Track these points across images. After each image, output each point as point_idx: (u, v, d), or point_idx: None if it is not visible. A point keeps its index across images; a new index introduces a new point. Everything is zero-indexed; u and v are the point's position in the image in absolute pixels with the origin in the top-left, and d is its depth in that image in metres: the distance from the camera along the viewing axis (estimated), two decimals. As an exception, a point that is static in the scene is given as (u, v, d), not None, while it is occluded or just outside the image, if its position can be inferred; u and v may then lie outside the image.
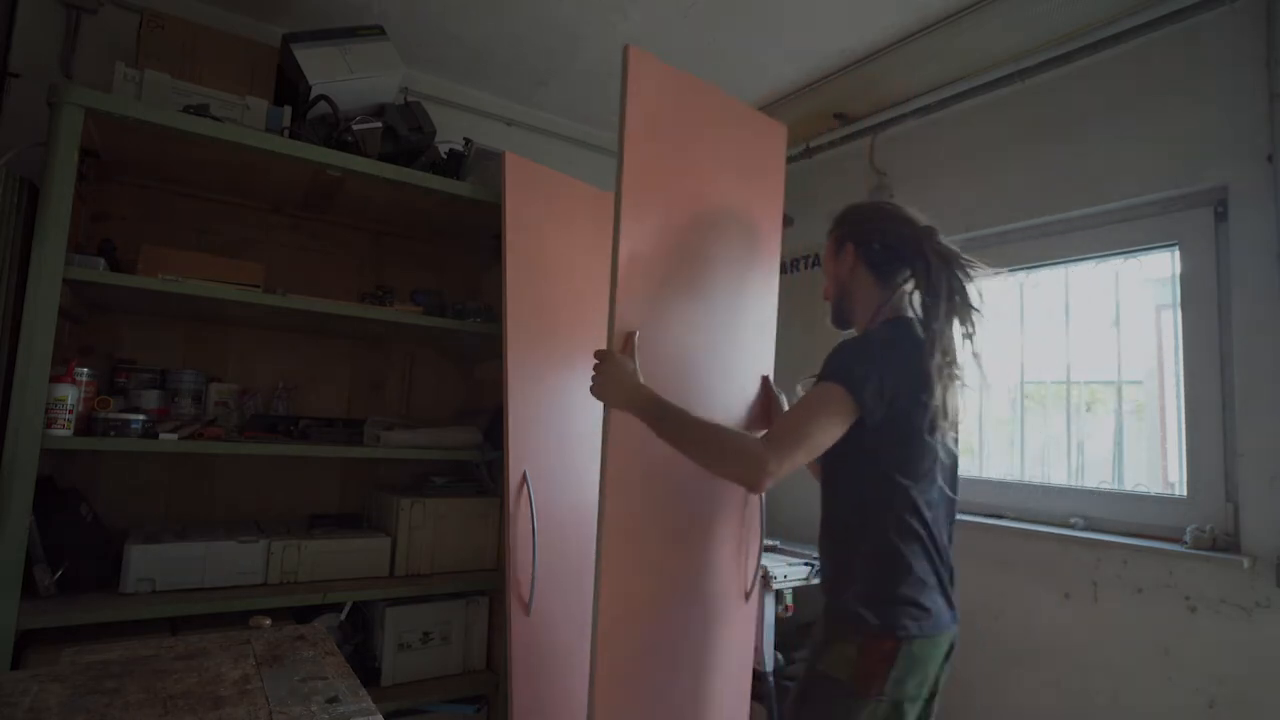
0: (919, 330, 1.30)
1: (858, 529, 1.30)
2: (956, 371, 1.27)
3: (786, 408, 1.67)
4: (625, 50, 1.48)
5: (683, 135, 1.60)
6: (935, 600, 1.26)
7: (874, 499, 1.28)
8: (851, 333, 1.47)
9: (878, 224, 1.42)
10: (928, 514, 1.27)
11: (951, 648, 1.30)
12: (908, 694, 1.22)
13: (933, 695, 1.29)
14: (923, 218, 1.41)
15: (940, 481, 1.30)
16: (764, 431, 1.42)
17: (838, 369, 1.25)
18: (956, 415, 1.30)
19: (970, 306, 1.29)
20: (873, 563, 1.26)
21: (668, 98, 1.58)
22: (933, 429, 1.25)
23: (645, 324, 1.47)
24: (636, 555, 1.51)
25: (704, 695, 1.65)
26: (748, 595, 1.82)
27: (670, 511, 1.55)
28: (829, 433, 1.23)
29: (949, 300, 1.28)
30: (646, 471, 1.48)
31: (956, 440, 1.35)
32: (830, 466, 1.36)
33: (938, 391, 1.24)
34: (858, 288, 1.44)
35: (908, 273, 1.38)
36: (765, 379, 1.75)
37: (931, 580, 1.25)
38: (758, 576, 1.83)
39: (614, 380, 1.37)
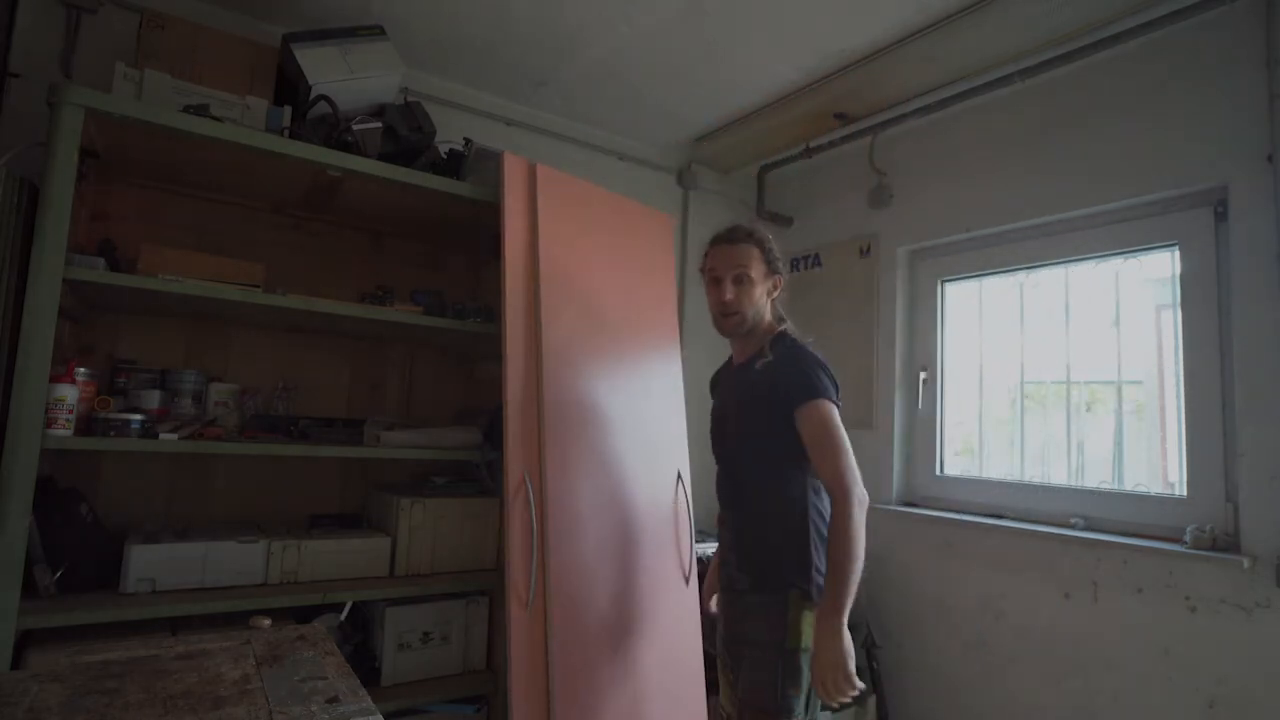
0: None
1: (785, 519, 1.53)
2: None
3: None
4: (534, 167, 2.02)
5: (582, 228, 2.10)
6: None
7: (799, 494, 1.53)
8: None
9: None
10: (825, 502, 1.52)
11: None
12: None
13: None
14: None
15: None
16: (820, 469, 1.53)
17: (819, 388, 1.51)
18: None
19: None
20: (809, 545, 1.50)
21: (569, 200, 2.12)
22: None
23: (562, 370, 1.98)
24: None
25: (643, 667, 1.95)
26: (687, 579, 2.13)
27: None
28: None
29: None
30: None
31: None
32: (760, 464, 1.58)
33: None
34: (767, 311, 1.69)
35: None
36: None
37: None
38: (693, 560, 2.15)
39: (840, 661, 1.38)
